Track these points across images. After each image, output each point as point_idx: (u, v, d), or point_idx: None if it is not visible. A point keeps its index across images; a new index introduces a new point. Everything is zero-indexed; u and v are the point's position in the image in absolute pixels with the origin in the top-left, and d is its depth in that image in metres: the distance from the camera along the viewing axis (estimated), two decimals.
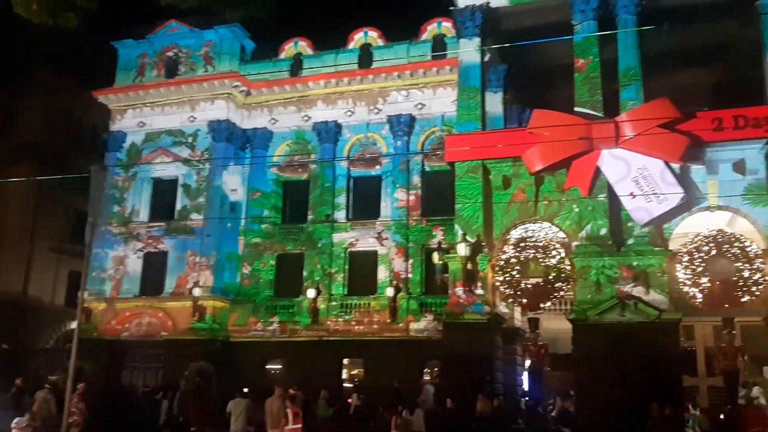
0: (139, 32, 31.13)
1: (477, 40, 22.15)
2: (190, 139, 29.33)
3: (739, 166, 19.09)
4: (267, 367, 26.94)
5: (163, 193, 29.46)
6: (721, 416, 19.29)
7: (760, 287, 17.83)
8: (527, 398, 22.11)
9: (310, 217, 28.26)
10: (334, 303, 26.76)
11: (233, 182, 29.01)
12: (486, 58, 22.55)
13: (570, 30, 21.03)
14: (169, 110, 29.94)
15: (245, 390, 17.64)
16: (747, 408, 18.54)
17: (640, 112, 19.28)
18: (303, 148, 29.27)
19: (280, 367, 26.80)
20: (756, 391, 19.34)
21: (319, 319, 26.29)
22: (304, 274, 27.48)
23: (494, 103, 23.70)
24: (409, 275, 26.33)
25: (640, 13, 20.58)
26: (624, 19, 20.67)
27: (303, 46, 30.21)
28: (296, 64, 29.79)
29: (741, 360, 19.01)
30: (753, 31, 20.13)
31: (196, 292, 26.42)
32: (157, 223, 29.00)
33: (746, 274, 17.82)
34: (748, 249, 18.03)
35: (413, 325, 25.40)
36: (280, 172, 29.44)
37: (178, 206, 28.86)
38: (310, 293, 26.18)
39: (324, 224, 27.65)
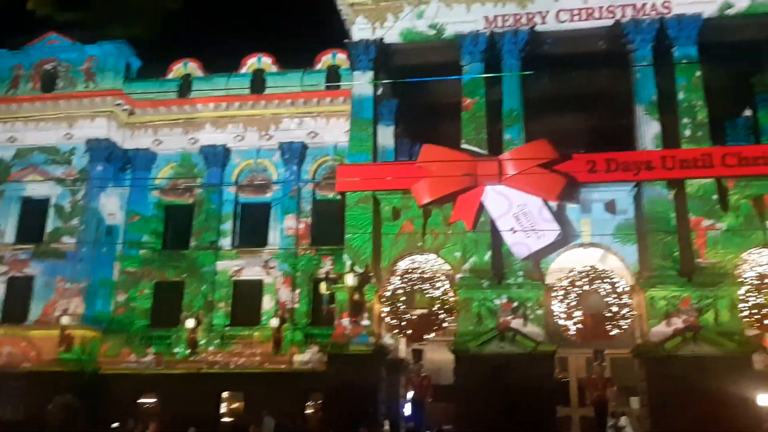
0: (14, 42, 29.30)
1: (370, 74, 22.53)
2: (66, 158, 27.74)
3: (610, 206, 20.43)
4: (140, 401, 25.50)
5: (33, 213, 27.59)
6: None
7: (627, 321, 18.95)
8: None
9: (193, 244, 27.29)
10: (214, 333, 25.84)
11: (111, 205, 27.59)
12: (379, 92, 22.94)
13: (459, 70, 21.84)
14: (44, 126, 28.26)
15: (114, 425, 16.62)
16: None
17: (521, 152, 20.24)
18: (189, 171, 28.39)
19: (155, 400, 25.45)
20: (623, 420, 20.25)
21: (198, 351, 25.27)
22: (184, 303, 26.40)
23: (386, 135, 24.07)
24: (296, 305, 25.90)
25: (524, 58, 21.76)
26: (509, 64, 21.76)
27: (193, 67, 29.47)
28: (185, 86, 28.98)
29: (610, 390, 19.93)
30: (625, 82, 21.70)
31: (65, 320, 24.75)
32: (23, 246, 27.10)
33: (615, 308, 18.88)
34: (617, 285, 19.13)
35: (297, 357, 24.96)
36: (163, 196, 28.33)
37: (49, 228, 27.13)
38: (189, 323, 25.15)
39: (208, 251, 26.76)
